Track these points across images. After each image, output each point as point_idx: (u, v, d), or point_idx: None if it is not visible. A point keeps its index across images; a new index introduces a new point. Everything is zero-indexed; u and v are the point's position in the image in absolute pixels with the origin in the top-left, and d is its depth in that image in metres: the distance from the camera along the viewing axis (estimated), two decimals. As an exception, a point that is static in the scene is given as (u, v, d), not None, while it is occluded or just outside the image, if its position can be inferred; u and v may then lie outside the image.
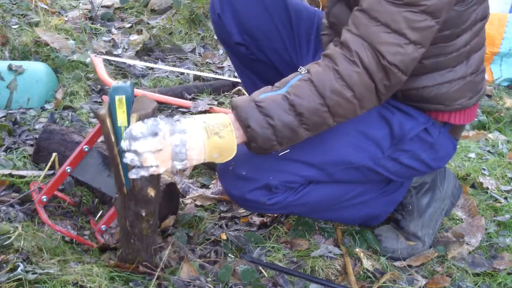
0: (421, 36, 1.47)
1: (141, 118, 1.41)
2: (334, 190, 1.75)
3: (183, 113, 2.66)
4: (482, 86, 1.77)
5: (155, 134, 1.38)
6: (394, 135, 1.71)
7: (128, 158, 1.39)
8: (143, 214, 1.55)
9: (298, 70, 1.52)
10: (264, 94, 1.49)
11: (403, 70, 1.49)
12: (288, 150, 1.62)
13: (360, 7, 1.49)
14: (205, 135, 1.43)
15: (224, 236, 1.88)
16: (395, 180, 1.83)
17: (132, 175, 1.42)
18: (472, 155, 2.58)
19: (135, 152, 1.38)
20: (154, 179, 1.51)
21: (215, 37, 3.52)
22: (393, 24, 1.45)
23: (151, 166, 1.40)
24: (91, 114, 2.61)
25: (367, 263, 1.84)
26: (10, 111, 2.55)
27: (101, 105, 2.69)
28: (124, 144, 1.39)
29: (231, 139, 1.46)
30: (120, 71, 3.05)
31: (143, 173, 1.41)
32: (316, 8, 2.04)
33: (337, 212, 1.84)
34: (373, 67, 1.46)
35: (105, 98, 2.61)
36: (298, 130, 1.49)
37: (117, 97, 1.43)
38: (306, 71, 1.50)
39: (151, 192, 1.52)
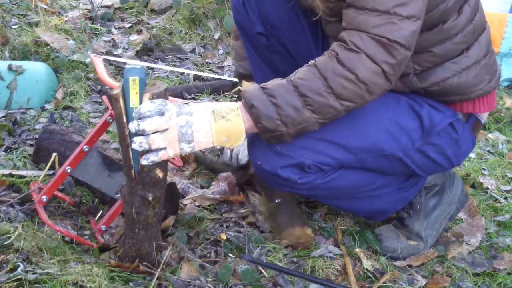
0: (412, 8, 1.48)
1: (153, 97, 1.45)
2: (360, 178, 1.76)
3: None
4: (496, 67, 1.79)
5: (162, 114, 1.42)
6: (424, 127, 1.72)
7: (137, 141, 1.43)
8: (150, 198, 1.56)
9: (309, 62, 1.55)
10: (272, 81, 1.53)
11: (405, 45, 1.49)
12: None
13: (345, 5, 1.52)
14: (212, 118, 1.46)
15: (224, 236, 1.88)
16: (416, 175, 1.84)
17: (143, 161, 1.46)
18: (472, 155, 2.58)
19: (143, 132, 1.41)
20: (162, 160, 1.52)
21: (215, 37, 3.52)
22: (380, 6, 1.47)
23: (160, 149, 1.44)
24: (91, 114, 2.61)
25: (367, 263, 1.84)
26: (10, 111, 2.55)
27: (101, 105, 2.70)
28: (132, 125, 1.42)
29: (238, 122, 1.48)
30: (120, 71, 3.05)
31: (154, 157, 1.45)
32: None
33: (352, 201, 1.84)
34: (374, 51, 1.47)
35: (105, 98, 2.61)
36: (303, 110, 1.49)
37: (131, 78, 1.44)
38: (314, 60, 1.53)
39: (160, 173, 1.53)
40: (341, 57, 1.49)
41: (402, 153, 1.72)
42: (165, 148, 1.44)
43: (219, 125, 1.46)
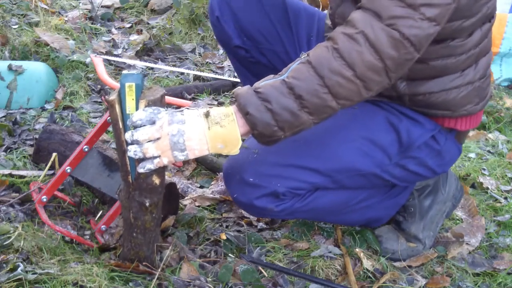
0: (437, 12, 1.41)
1: (149, 104, 1.44)
2: (340, 196, 1.75)
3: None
4: (488, 91, 1.75)
5: (153, 123, 1.41)
6: (402, 142, 1.69)
7: (132, 150, 1.42)
8: (147, 204, 1.56)
9: (300, 55, 1.48)
10: (265, 81, 1.46)
11: (416, 45, 1.42)
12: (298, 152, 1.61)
13: None
14: (205, 125, 1.43)
15: (224, 236, 1.88)
16: (399, 185, 1.83)
17: (140, 169, 1.45)
18: (472, 155, 2.58)
19: (137, 142, 1.41)
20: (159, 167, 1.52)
21: (215, 37, 3.52)
22: None
23: (154, 157, 1.43)
24: (91, 114, 2.61)
25: (367, 263, 1.84)
26: (10, 111, 2.55)
27: (101, 105, 2.70)
28: (127, 135, 1.43)
29: (234, 128, 1.43)
30: (120, 71, 3.05)
31: (149, 165, 1.44)
32: (316, 8, 2.04)
33: (342, 216, 1.84)
34: (383, 44, 1.39)
35: (105, 98, 2.61)
36: (300, 114, 1.43)
37: (127, 84, 1.44)
38: (306, 54, 1.46)
39: (156, 180, 1.53)
40: (341, 48, 1.40)
41: (379, 169, 1.70)
42: (160, 156, 1.44)
43: (213, 132, 1.43)
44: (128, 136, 1.42)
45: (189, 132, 1.42)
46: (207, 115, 1.44)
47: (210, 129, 1.43)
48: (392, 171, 1.73)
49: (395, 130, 1.69)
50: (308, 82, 1.42)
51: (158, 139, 1.41)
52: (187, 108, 1.47)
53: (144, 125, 1.41)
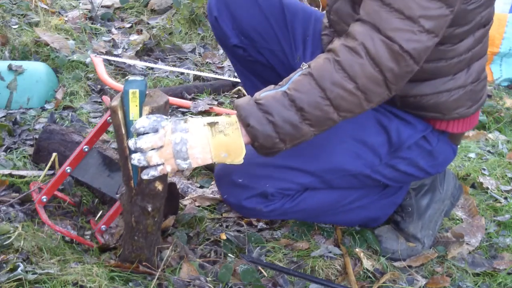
0: (435, 24, 1.42)
1: (153, 111, 1.43)
2: (331, 196, 1.75)
3: (183, 113, 2.66)
4: (482, 94, 1.73)
5: (157, 131, 1.40)
6: (392, 143, 1.69)
7: (135, 158, 1.42)
8: (149, 209, 1.55)
9: (301, 66, 1.48)
10: (266, 92, 1.46)
11: (416, 58, 1.42)
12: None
13: None
14: (209, 134, 1.42)
15: (224, 236, 1.88)
16: (392, 185, 1.83)
17: (144, 175, 1.44)
18: (472, 155, 2.58)
19: (140, 150, 1.40)
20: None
21: (215, 36, 3.52)
22: (406, 11, 1.39)
23: (158, 165, 1.42)
24: (91, 114, 2.61)
25: (367, 263, 1.84)
26: (10, 111, 2.55)
27: (101, 105, 2.70)
28: (130, 143, 1.42)
29: (238, 137, 1.43)
30: (120, 71, 3.05)
31: (153, 172, 1.43)
32: (315, 8, 2.04)
33: (336, 216, 1.84)
34: (382, 56, 1.40)
35: (105, 98, 2.62)
36: (301, 126, 1.44)
37: (131, 91, 1.43)
38: (308, 66, 1.46)
39: (159, 186, 1.53)
40: (342, 61, 1.41)
41: (369, 170, 1.71)
42: (163, 163, 1.43)
43: (217, 140, 1.41)
44: (131, 144, 1.41)
45: (192, 141, 1.41)
46: (211, 123, 1.43)
47: (213, 138, 1.42)
48: (382, 171, 1.73)
49: (385, 130, 1.69)
50: (309, 95, 1.42)
51: (161, 147, 1.41)
52: (191, 116, 1.47)
53: (147, 133, 1.40)
